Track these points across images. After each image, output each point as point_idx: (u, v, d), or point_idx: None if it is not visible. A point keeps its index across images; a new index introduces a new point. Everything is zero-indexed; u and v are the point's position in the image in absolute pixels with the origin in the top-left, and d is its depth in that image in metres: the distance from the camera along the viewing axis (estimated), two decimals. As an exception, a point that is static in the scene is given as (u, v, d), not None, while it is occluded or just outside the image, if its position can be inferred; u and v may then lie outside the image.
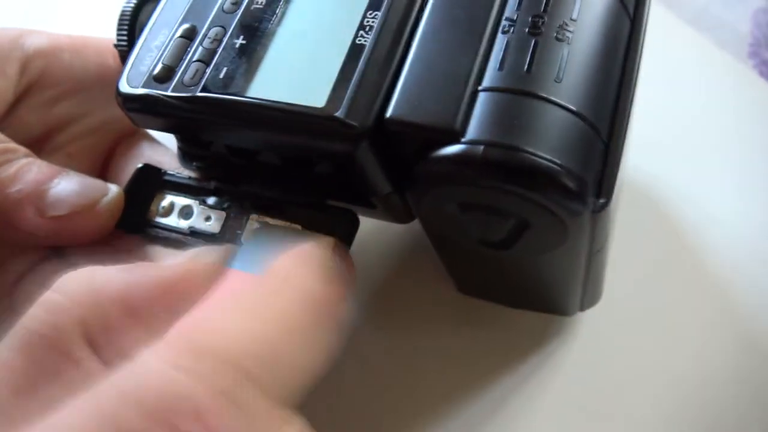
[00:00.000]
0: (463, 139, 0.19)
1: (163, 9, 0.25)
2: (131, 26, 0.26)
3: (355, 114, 0.21)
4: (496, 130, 0.19)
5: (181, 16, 0.24)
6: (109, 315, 0.19)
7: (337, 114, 0.21)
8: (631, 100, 0.21)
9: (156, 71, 0.23)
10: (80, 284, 0.19)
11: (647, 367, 0.29)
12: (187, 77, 0.23)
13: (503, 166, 0.19)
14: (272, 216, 0.24)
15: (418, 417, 0.28)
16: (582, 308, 0.28)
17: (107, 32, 0.27)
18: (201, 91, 0.22)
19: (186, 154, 0.26)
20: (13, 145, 0.24)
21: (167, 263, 0.22)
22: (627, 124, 0.21)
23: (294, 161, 0.24)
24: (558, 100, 0.20)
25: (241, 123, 0.22)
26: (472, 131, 0.19)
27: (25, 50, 0.26)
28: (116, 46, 0.27)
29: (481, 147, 0.19)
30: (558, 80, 0.20)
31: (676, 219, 0.32)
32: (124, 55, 0.27)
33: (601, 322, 0.29)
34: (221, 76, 0.22)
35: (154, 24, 0.25)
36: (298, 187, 0.24)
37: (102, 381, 0.17)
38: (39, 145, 0.26)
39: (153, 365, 0.17)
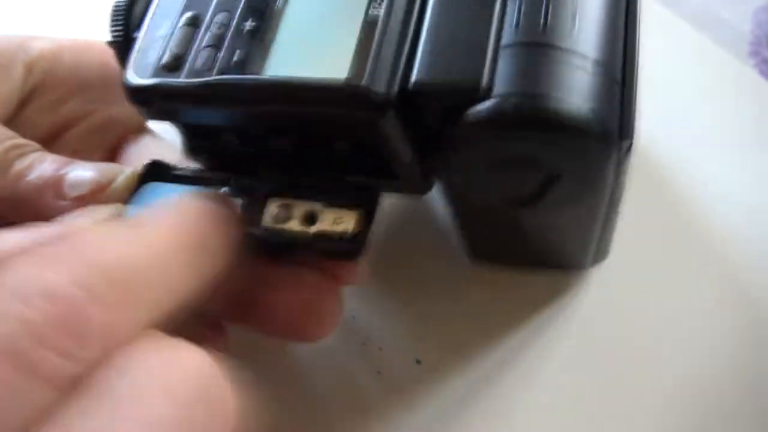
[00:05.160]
0: (492, 95, 0.20)
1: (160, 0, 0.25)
2: (126, 20, 0.26)
3: (379, 82, 0.21)
4: (524, 81, 0.20)
5: (182, 5, 0.24)
6: None
7: (363, 83, 0.21)
8: (638, 42, 0.22)
9: (164, 60, 0.23)
10: None
11: (657, 317, 0.29)
12: (198, 63, 0.23)
13: (536, 116, 0.19)
14: (290, 197, 0.24)
15: (432, 372, 0.29)
16: (593, 263, 0.29)
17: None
18: (216, 75, 0.22)
19: (192, 147, 0.26)
20: (24, 140, 0.25)
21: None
22: (637, 65, 0.22)
23: (307, 144, 0.24)
24: (577, 49, 0.20)
25: (262, 103, 0.22)
26: (500, 86, 0.20)
27: (29, 53, 0.27)
28: (110, 42, 0.26)
29: (513, 99, 0.19)
30: (573, 31, 0.21)
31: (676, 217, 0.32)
32: (119, 51, 0.26)
33: (608, 276, 0.30)
34: (235, 58, 0.22)
35: (153, 15, 0.24)
36: (311, 168, 0.25)
37: None
38: (45, 145, 0.26)
39: None
